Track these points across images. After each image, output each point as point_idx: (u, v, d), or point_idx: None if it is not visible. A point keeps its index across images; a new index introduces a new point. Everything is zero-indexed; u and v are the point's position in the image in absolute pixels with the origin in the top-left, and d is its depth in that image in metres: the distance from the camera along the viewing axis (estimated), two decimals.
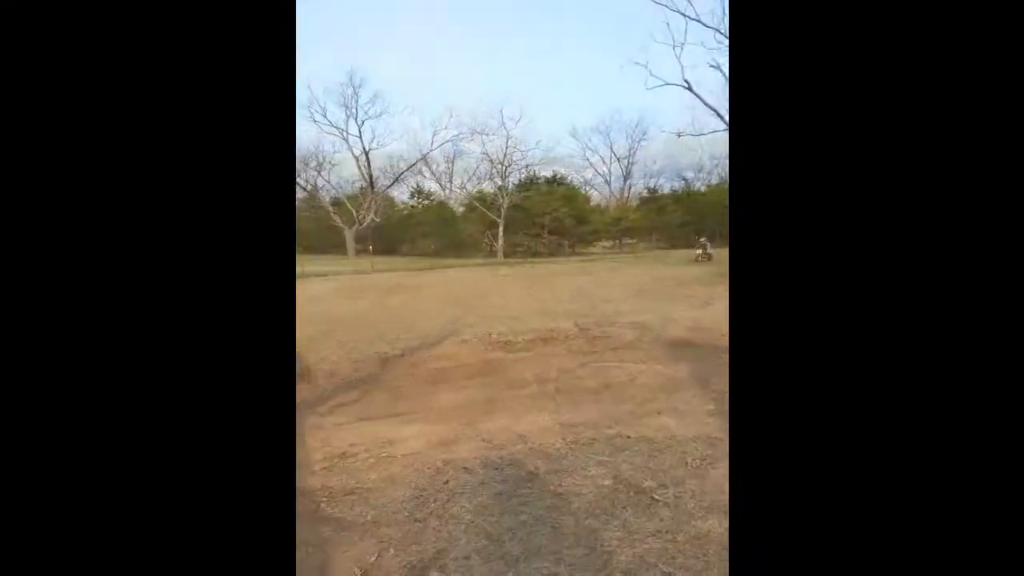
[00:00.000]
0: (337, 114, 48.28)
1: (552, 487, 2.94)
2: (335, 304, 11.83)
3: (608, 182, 52.01)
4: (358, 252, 35.62)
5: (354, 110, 38.76)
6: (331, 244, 39.60)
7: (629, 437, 3.64)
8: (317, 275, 20.91)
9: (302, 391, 5.15)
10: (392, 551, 2.39)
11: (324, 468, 3.33)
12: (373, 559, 2.34)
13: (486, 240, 33.62)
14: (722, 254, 21.77)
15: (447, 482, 3.05)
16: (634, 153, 50.00)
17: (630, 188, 50.95)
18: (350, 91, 38.76)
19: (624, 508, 2.68)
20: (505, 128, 35.32)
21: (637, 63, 38.26)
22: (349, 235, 37.21)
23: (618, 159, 50.88)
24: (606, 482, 2.98)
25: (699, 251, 24.26)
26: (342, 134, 39.24)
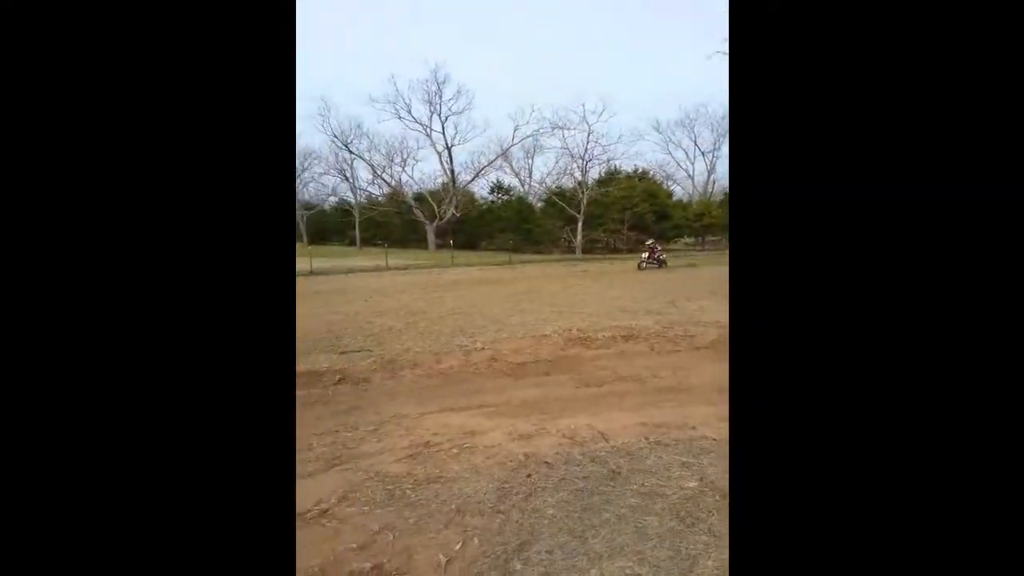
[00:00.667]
0: (421, 110, 49.22)
1: (635, 486, 2.91)
2: (417, 297, 12.14)
3: (691, 177, 50.75)
4: (438, 247, 36.37)
5: (438, 106, 39.46)
6: (412, 238, 40.69)
7: (714, 439, 3.54)
8: (399, 269, 21.53)
9: (385, 380, 5.32)
10: (476, 541, 2.43)
11: (409, 456, 3.43)
12: (457, 547, 2.39)
13: (565, 236, 33.47)
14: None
15: (529, 476, 3.08)
16: (719, 147, 48.46)
17: (714, 183, 49.47)
18: (434, 88, 39.46)
19: (710, 512, 2.61)
20: (587, 122, 34.69)
21: (725, 54, 36.75)
22: (430, 230, 38.06)
23: (702, 153, 49.53)
24: (691, 484, 2.91)
25: (644, 255, 20.58)
26: (426, 130, 40.07)
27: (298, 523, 2.61)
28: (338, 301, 11.60)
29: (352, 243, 44.42)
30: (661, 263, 20.17)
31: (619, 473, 3.09)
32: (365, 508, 2.76)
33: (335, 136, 41.36)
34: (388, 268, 21.38)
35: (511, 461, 3.30)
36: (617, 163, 36.92)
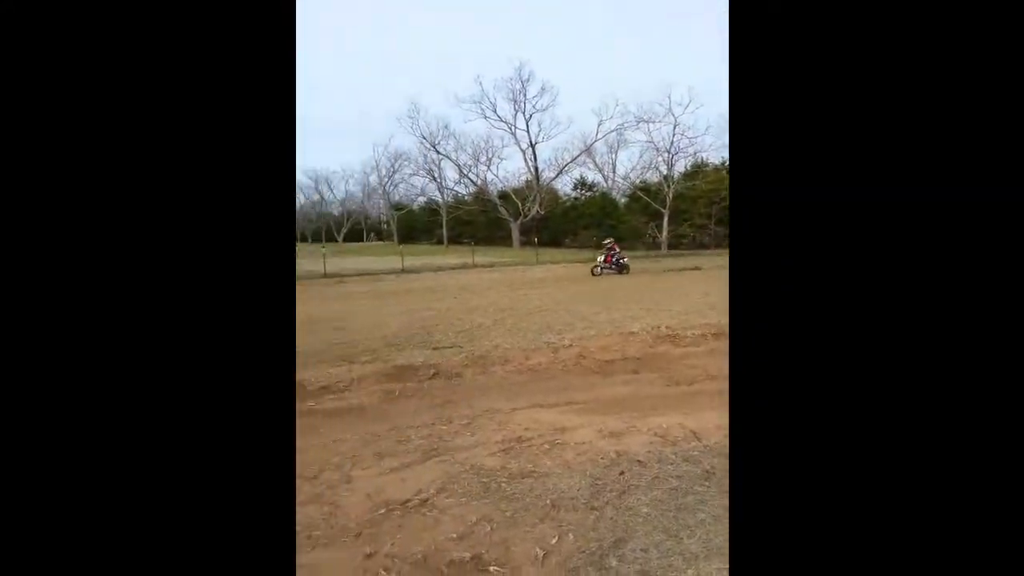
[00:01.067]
0: (506, 109, 49.46)
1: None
2: (504, 294, 12.32)
3: None
4: (523, 244, 36.62)
5: (522, 104, 39.62)
6: (498, 236, 41.21)
7: None
8: (485, 266, 21.88)
9: (477, 375, 5.46)
10: (571, 536, 2.48)
11: (502, 450, 3.52)
12: (554, 541, 2.45)
13: (649, 232, 32.82)
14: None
15: (622, 473, 3.09)
16: None
17: None
18: (518, 86, 39.66)
19: None
20: (672, 114, 33.66)
21: None
22: (515, 227, 38.39)
23: None
24: None
25: (600, 259, 17.27)
26: (510, 128, 40.34)
27: (400, 511, 2.76)
28: (429, 298, 11.97)
29: (439, 241, 45.54)
30: (622, 268, 16.83)
31: (713, 473, 3.05)
32: (462, 499, 2.87)
33: (423, 137, 42.50)
34: (475, 266, 21.79)
35: (602, 458, 3.33)
36: (704, 155, 35.66)
